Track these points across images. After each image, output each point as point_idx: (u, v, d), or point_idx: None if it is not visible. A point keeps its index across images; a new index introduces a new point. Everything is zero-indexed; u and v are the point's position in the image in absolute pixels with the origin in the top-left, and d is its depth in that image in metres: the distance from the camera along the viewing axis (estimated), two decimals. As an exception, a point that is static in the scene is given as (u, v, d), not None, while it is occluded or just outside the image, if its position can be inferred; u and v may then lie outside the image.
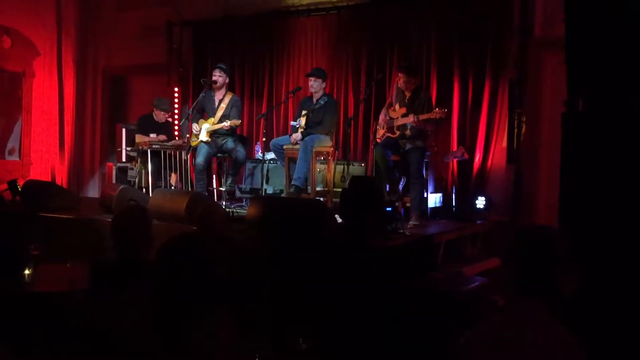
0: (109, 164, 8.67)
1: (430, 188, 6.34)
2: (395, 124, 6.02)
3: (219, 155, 6.99)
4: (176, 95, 8.82)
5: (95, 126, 9.97)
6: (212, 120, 6.75)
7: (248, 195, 6.96)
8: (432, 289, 4.25)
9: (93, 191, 9.60)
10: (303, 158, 6.16)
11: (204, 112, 6.93)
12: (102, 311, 2.49)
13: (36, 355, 2.72)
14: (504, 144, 6.65)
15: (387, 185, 6.01)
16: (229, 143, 6.68)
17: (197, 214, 4.36)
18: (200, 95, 6.93)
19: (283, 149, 6.51)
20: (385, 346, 3.95)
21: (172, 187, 7.21)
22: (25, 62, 9.25)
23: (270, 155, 6.91)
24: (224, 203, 6.64)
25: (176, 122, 8.44)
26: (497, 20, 6.71)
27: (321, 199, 6.22)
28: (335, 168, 6.37)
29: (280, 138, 6.81)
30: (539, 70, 6.59)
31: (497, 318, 1.86)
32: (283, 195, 6.57)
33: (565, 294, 1.84)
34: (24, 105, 9.33)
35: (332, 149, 6.44)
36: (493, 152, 6.72)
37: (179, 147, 7.17)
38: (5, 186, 7.11)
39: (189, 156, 7.09)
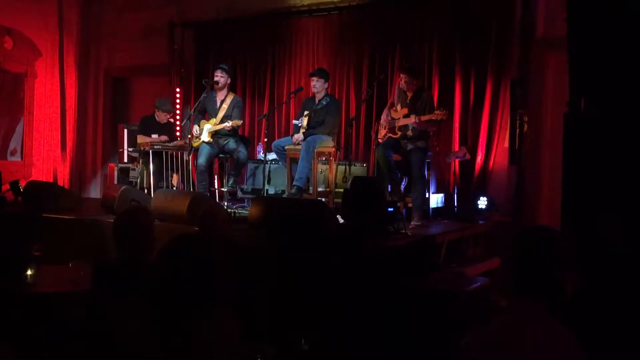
0: (111, 164, 8.67)
1: (432, 188, 6.33)
2: (397, 125, 6.02)
3: (220, 155, 6.99)
4: (178, 95, 8.82)
5: (97, 127, 9.98)
6: (213, 120, 6.76)
7: (250, 196, 6.96)
8: (433, 290, 4.25)
9: (95, 192, 9.61)
10: (305, 158, 6.16)
11: (206, 113, 6.93)
12: (104, 312, 2.49)
13: (38, 356, 2.72)
14: (506, 144, 6.64)
15: (389, 186, 6.00)
16: (231, 144, 6.68)
17: (198, 214, 4.35)
18: (202, 95, 6.94)
19: (285, 150, 6.51)
20: (387, 347, 3.95)
21: (174, 188, 7.21)
22: (27, 63, 9.26)
23: (272, 156, 6.91)
24: (225, 204, 6.64)
25: (178, 122, 8.43)
26: (499, 20, 6.70)
27: (323, 199, 6.22)
28: (336, 168, 6.37)
29: (282, 139, 6.81)
30: (541, 70, 6.59)
31: (497, 319, 1.85)
32: (285, 195, 6.57)
33: (566, 294, 1.83)
34: (26, 106, 9.34)
35: (333, 149, 6.43)
36: (495, 152, 6.71)
37: (180, 148, 7.17)
38: (7, 187, 7.11)
39: (190, 157, 7.09)
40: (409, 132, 5.95)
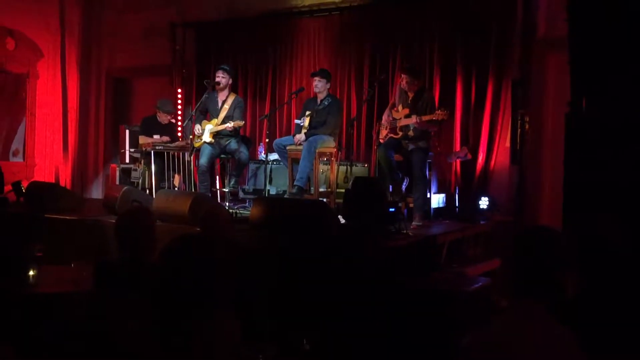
0: (113, 165, 8.68)
1: (433, 188, 6.33)
2: (398, 125, 6.02)
3: (222, 156, 6.99)
4: (179, 96, 8.83)
5: (99, 127, 9.98)
6: (215, 121, 6.76)
7: (251, 196, 6.96)
8: (434, 290, 4.25)
9: (97, 192, 9.62)
10: (306, 158, 6.17)
11: (207, 113, 6.94)
12: (106, 312, 2.50)
13: (39, 356, 2.73)
14: (507, 144, 6.63)
15: (390, 186, 6.00)
16: (232, 144, 6.68)
17: (200, 215, 4.35)
18: (204, 96, 6.94)
19: (286, 150, 6.52)
20: (387, 347, 3.95)
21: (176, 188, 7.22)
22: (29, 64, 9.28)
23: (274, 156, 6.91)
24: (227, 204, 6.65)
25: (179, 123, 8.44)
26: (500, 20, 6.70)
27: (324, 199, 6.22)
28: (338, 169, 6.37)
29: (283, 138, 6.82)
30: (542, 70, 6.58)
31: (497, 319, 1.86)
32: (286, 195, 6.57)
33: (566, 295, 1.84)
34: (28, 107, 9.35)
35: (335, 149, 6.44)
36: (496, 152, 6.71)
37: (182, 149, 7.18)
38: (9, 187, 7.13)
39: (192, 157, 7.10)
40: (410, 133, 5.95)
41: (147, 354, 1.93)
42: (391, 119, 6.14)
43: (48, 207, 6.20)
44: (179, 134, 8.05)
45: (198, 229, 4.34)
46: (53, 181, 9.22)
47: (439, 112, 5.67)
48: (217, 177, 7.35)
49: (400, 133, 6.01)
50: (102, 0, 9.86)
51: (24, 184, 7.10)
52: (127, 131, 8.59)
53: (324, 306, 4.17)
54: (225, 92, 6.91)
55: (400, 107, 6.11)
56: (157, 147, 7.09)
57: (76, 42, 9.79)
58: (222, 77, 6.83)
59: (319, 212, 4.93)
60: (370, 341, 3.96)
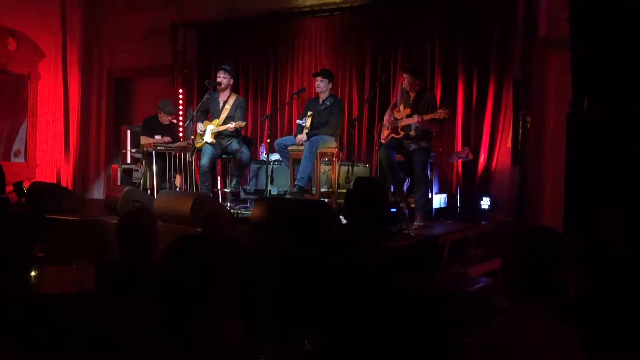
0: (114, 165, 8.70)
1: (434, 189, 6.33)
2: (399, 125, 6.02)
3: (223, 156, 7.00)
4: (181, 96, 8.84)
5: (100, 128, 9.99)
6: (216, 121, 6.76)
7: (252, 197, 6.96)
8: (436, 290, 4.25)
9: (98, 193, 9.62)
10: (308, 158, 6.17)
11: (208, 114, 6.94)
12: (107, 312, 2.50)
13: (40, 356, 2.73)
14: (509, 144, 6.63)
15: (392, 186, 6.00)
16: (234, 144, 6.68)
17: (201, 215, 4.36)
18: (205, 96, 6.94)
19: (287, 150, 6.52)
20: (389, 347, 3.95)
21: (177, 189, 7.22)
22: (30, 65, 9.29)
23: (275, 157, 6.91)
24: (228, 204, 6.65)
25: (181, 123, 8.45)
26: (501, 20, 6.69)
27: (325, 200, 6.23)
28: (339, 169, 6.37)
29: (284, 138, 6.82)
30: (543, 70, 6.58)
31: (498, 319, 1.85)
32: (287, 196, 6.57)
33: (567, 295, 1.83)
34: (30, 107, 9.37)
35: (336, 149, 6.44)
36: (498, 152, 6.70)
37: (183, 149, 7.19)
38: (11, 188, 7.14)
39: (193, 158, 7.10)
40: (412, 132, 5.95)
41: (148, 355, 1.93)
42: (392, 119, 6.14)
43: (49, 208, 6.21)
44: (181, 135, 8.06)
45: (199, 230, 4.34)
46: (54, 182, 9.23)
47: (440, 110, 5.67)
48: (219, 177, 7.35)
49: (402, 133, 6.00)
50: (103, 0, 9.87)
51: (26, 185, 7.11)
52: (129, 131, 8.60)
53: (325, 306, 4.17)
54: (227, 92, 6.91)
55: (401, 107, 6.11)
56: (158, 148, 7.10)
57: (77, 43, 9.80)
58: (223, 78, 6.84)
59: (320, 212, 4.93)
60: (371, 341, 3.96)
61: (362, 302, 4.12)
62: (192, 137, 6.94)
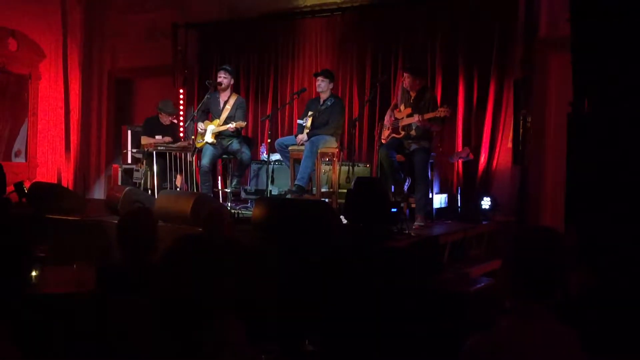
0: (115, 165, 8.70)
1: (435, 189, 6.33)
2: (400, 124, 6.02)
3: (224, 156, 7.00)
4: (181, 97, 8.84)
5: (101, 128, 10.00)
6: (217, 121, 6.76)
7: (253, 197, 6.96)
8: (437, 290, 4.25)
9: (99, 193, 9.63)
10: (308, 158, 6.17)
11: (209, 114, 6.95)
12: (108, 313, 2.50)
13: (41, 356, 2.73)
14: (510, 144, 6.63)
15: (392, 186, 6.00)
16: (234, 144, 6.69)
17: (202, 215, 4.36)
18: (206, 96, 6.94)
19: (288, 150, 6.52)
20: (390, 347, 3.95)
21: (178, 189, 7.22)
22: (31, 65, 9.29)
23: (275, 157, 6.91)
24: (229, 204, 6.65)
25: (181, 123, 8.45)
26: (502, 20, 6.70)
27: (326, 200, 6.23)
28: (340, 169, 6.37)
29: (285, 138, 6.82)
30: (544, 71, 6.58)
31: (499, 319, 1.85)
32: (288, 196, 6.58)
33: (568, 295, 1.84)
34: (30, 108, 9.37)
35: (337, 149, 6.44)
36: (498, 152, 6.70)
37: (184, 149, 7.19)
38: (12, 188, 7.14)
39: (194, 158, 7.10)
40: (413, 132, 5.94)
41: (149, 355, 1.93)
42: (393, 119, 6.14)
43: (50, 208, 6.21)
44: (181, 135, 8.06)
45: (200, 230, 4.34)
46: (55, 182, 9.23)
47: (441, 109, 5.67)
48: (219, 177, 7.36)
49: (403, 132, 6.00)
50: (104, 1, 9.88)
51: (27, 185, 7.11)
52: (129, 132, 8.60)
53: (326, 307, 4.17)
54: (227, 92, 6.92)
55: (402, 107, 6.11)
56: (159, 148, 7.10)
57: (78, 43, 9.81)
58: (224, 78, 6.84)
59: (320, 212, 4.93)
60: (373, 342, 3.96)
61: (363, 302, 4.12)
62: (193, 137, 6.94)
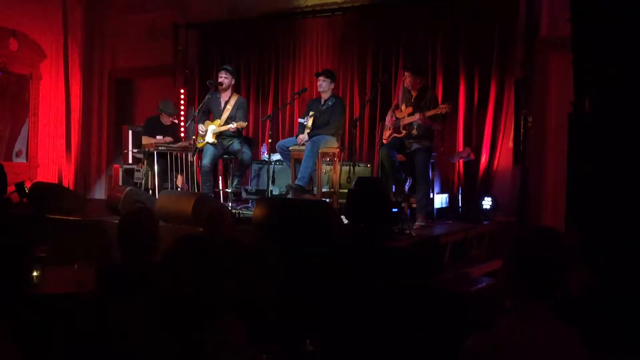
0: (116, 165, 8.70)
1: (436, 189, 6.33)
2: (402, 123, 6.01)
3: (225, 156, 7.00)
4: (182, 97, 8.84)
5: (102, 128, 10.00)
6: (218, 121, 6.76)
7: (254, 197, 6.97)
8: (438, 290, 4.25)
9: (99, 193, 9.63)
10: (309, 158, 6.17)
11: (210, 114, 6.95)
12: (108, 313, 2.50)
13: (42, 357, 2.73)
14: (510, 144, 6.63)
15: (393, 186, 6.00)
16: (235, 144, 6.69)
17: (203, 215, 4.36)
18: (206, 96, 6.94)
19: (289, 151, 6.52)
20: (390, 347, 3.95)
21: (179, 189, 7.22)
22: (32, 65, 9.30)
23: (276, 157, 6.91)
24: (230, 204, 6.65)
25: (182, 123, 8.45)
26: (503, 20, 6.70)
27: (327, 200, 6.23)
28: (341, 169, 6.37)
29: (286, 140, 6.82)
30: (545, 71, 6.58)
31: (499, 319, 1.85)
32: (289, 196, 6.58)
33: (569, 295, 1.84)
34: (31, 108, 9.37)
35: (338, 149, 6.44)
36: (499, 152, 6.70)
37: (185, 149, 7.19)
38: (12, 188, 7.14)
39: (195, 158, 7.10)
40: (414, 131, 5.94)
41: (149, 355, 1.93)
42: (394, 119, 6.13)
43: (51, 208, 6.22)
44: (182, 135, 8.06)
45: (201, 230, 4.35)
46: (56, 182, 9.24)
47: (442, 105, 5.67)
48: (220, 177, 7.36)
49: (404, 132, 6.00)
50: (104, 1, 9.88)
51: (27, 185, 7.11)
52: (130, 132, 8.60)
53: (326, 307, 4.17)
54: (228, 92, 6.92)
55: (403, 107, 6.11)
56: (160, 148, 7.10)
57: (79, 43, 9.81)
58: (224, 78, 6.84)
59: (321, 212, 4.93)
60: (373, 342, 3.96)
61: (364, 302, 4.12)
62: (194, 137, 6.95)
